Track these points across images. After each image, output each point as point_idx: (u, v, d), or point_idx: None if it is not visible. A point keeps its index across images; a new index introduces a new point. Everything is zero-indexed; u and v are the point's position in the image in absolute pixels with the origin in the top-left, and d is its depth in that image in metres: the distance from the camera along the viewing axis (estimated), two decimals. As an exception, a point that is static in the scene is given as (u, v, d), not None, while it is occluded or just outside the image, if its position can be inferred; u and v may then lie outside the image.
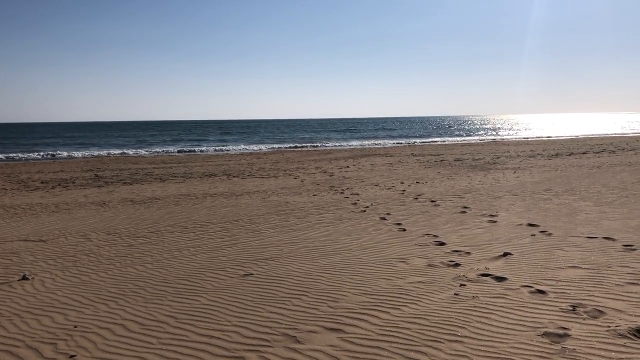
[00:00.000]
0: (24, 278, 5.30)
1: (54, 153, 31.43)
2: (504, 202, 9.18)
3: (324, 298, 4.48)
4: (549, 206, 8.63)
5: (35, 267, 5.75)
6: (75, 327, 4.02)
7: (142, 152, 32.55)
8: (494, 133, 54.59)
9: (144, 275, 5.35)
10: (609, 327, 3.64)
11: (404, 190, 11.23)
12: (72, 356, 3.51)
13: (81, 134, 64.96)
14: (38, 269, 5.67)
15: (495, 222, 7.48)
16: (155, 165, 20.60)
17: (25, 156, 28.86)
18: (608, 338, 3.48)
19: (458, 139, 45.08)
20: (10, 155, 29.37)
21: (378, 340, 3.60)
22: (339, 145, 37.32)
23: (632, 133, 46.07)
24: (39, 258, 6.16)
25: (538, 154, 21.86)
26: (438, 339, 3.57)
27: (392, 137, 48.42)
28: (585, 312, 3.92)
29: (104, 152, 32.19)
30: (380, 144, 39.13)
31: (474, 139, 44.55)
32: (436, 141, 41.54)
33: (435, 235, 6.72)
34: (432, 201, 9.56)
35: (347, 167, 18.02)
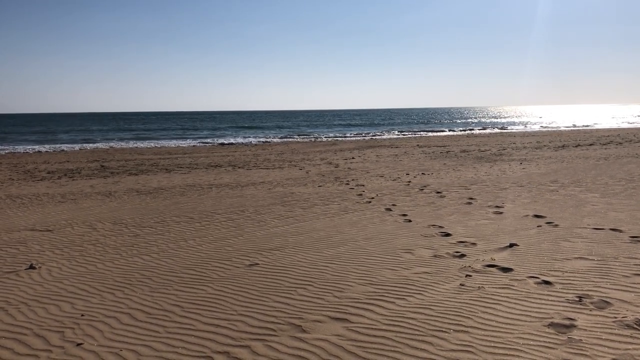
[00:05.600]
0: (31, 267, 5.34)
1: (59, 144, 31.56)
2: (510, 194, 9.14)
3: (329, 288, 4.49)
4: (555, 197, 8.58)
5: (42, 257, 5.79)
6: (82, 315, 4.05)
7: (147, 144, 32.61)
8: (499, 124, 54.27)
9: (150, 265, 5.38)
10: (615, 318, 3.63)
11: (410, 182, 11.20)
12: (79, 344, 3.54)
13: (84, 127, 65.12)
14: (45, 258, 5.71)
15: (501, 213, 7.46)
16: (161, 156, 20.64)
17: (31, 147, 28.98)
18: (614, 329, 3.46)
19: (464, 130, 44.85)
20: (17, 145, 29.53)
21: (384, 330, 3.61)
22: (343, 137, 37.23)
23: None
24: (46, 247, 6.20)
25: (544, 145, 21.73)
26: (444, 329, 3.57)
27: (397, 129, 48.22)
28: (591, 303, 3.91)
29: (110, 144, 32.28)
30: (385, 135, 39.01)
31: (480, 130, 44.31)
32: (442, 132, 41.34)
33: (441, 226, 6.70)
34: (438, 192, 9.53)
35: (353, 158, 17.98)
